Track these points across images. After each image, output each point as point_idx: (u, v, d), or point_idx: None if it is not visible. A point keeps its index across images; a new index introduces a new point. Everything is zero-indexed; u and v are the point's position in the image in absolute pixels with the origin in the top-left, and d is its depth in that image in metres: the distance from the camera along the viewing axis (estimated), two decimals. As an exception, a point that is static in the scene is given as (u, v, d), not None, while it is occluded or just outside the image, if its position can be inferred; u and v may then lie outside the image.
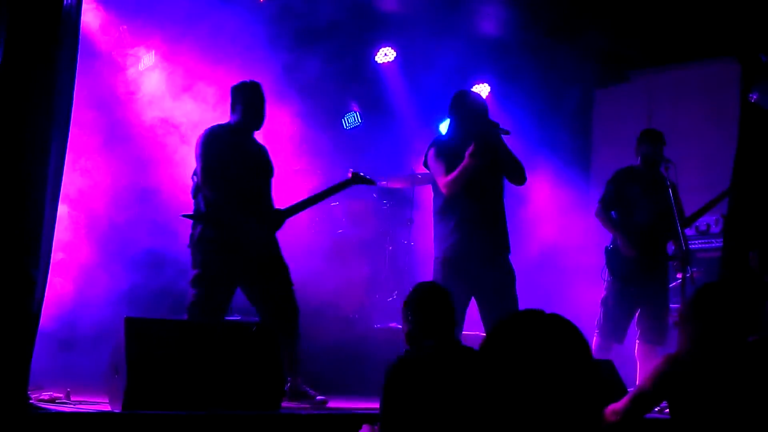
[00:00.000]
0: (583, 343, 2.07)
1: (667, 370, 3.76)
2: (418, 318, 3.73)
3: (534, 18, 8.74)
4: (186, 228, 5.75)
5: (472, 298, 6.00)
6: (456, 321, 3.78)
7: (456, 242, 5.92)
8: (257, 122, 5.87)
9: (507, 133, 6.04)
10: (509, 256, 6.13)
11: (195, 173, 5.70)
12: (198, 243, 5.58)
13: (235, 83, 5.91)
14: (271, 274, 5.69)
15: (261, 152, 5.94)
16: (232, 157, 5.66)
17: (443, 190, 5.93)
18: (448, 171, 5.88)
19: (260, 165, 5.87)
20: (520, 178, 6.14)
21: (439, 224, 6.05)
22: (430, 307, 3.75)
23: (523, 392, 1.98)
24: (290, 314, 5.67)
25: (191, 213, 5.67)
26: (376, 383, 6.29)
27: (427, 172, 8.20)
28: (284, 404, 4.99)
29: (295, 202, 5.95)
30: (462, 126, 6.08)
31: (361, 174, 6.12)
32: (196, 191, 5.69)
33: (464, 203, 5.95)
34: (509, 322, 2.10)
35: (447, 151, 6.01)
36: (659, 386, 3.77)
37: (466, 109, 6.09)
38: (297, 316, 5.69)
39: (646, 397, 3.84)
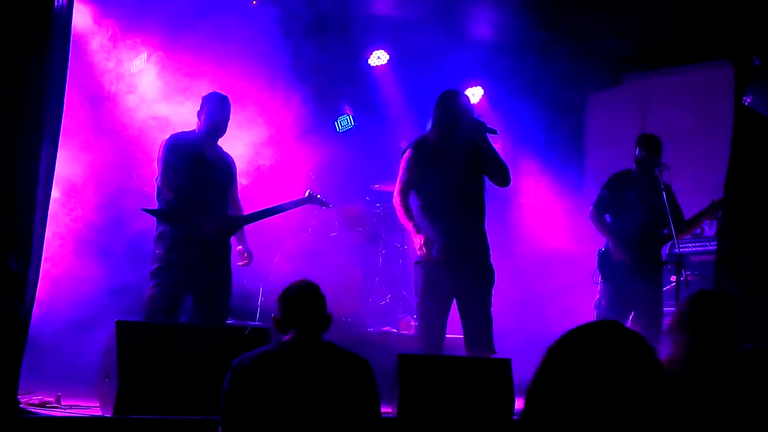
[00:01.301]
0: (654, 357, 2.05)
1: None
2: (283, 310, 3.76)
3: (528, 22, 8.72)
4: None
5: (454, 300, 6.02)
6: (323, 317, 3.80)
7: (434, 245, 5.89)
8: (218, 132, 6.20)
9: (494, 132, 6.04)
10: (490, 257, 6.10)
11: (156, 177, 6.08)
12: (157, 239, 5.96)
13: (206, 93, 6.28)
14: (215, 275, 6.00)
15: (221, 160, 6.24)
16: (189, 163, 5.97)
17: (394, 192, 6.05)
18: (409, 181, 6.00)
19: (216, 172, 6.15)
20: (503, 180, 6.13)
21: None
22: (294, 301, 3.75)
23: (590, 404, 1.96)
24: (220, 320, 6.02)
25: (154, 209, 6.07)
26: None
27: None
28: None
29: (250, 212, 6.40)
30: (445, 125, 6.07)
31: (318, 196, 6.69)
32: (159, 193, 6.07)
33: (442, 205, 5.95)
34: (578, 333, 2.09)
35: (423, 155, 6.03)
36: None
37: (450, 108, 6.08)
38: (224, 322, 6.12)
39: None
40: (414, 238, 5.93)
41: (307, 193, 6.66)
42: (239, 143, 7.37)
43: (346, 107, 9.47)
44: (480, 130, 6.00)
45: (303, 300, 3.78)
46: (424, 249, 5.79)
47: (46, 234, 4.60)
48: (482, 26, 9.17)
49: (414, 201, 6.06)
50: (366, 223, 8.66)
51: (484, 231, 6.12)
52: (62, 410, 4.55)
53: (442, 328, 6.05)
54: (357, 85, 9.41)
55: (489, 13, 8.85)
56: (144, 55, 7.61)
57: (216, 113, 6.12)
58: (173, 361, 4.51)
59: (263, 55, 7.68)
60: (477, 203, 6.09)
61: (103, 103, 7.36)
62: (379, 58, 9.45)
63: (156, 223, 6.03)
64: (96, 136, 7.04)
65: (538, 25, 8.64)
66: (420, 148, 6.09)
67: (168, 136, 6.16)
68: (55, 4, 4.60)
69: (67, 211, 6.84)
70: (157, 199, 6.08)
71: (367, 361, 3.82)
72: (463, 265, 5.94)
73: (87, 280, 6.65)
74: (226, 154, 6.35)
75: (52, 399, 4.73)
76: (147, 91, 7.54)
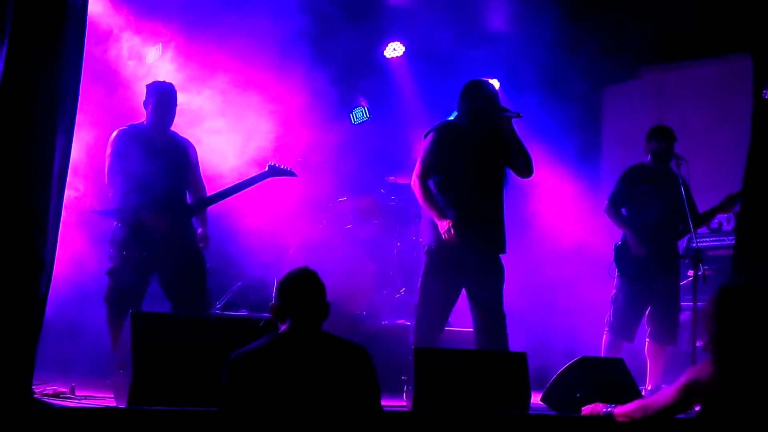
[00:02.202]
0: None
1: (692, 384, 3.74)
2: (281, 298, 3.72)
3: (544, 14, 8.68)
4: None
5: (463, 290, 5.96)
6: (321, 305, 3.75)
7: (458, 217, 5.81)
8: (167, 121, 6.21)
9: (518, 116, 5.93)
10: (502, 257, 6.02)
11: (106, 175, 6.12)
12: (111, 239, 6.03)
13: (149, 83, 6.29)
14: (179, 263, 6.01)
15: (174, 148, 6.23)
16: (137, 157, 5.95)
17: (413, 175, 5.94)
18: (430, 165, 5.90)
19: (168, 161, 6.10)
20: (526, 169, 6.01)
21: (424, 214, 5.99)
22: (292, 289, 3.71)
23: None
24: (197, 306, 6.03)
25: (103, 210, 6.15)
26: (384, 380, 6.29)
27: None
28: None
29: (211, 194, 6.36)
30: (471, 112, 5.98)
31: (280, 166, 6.51)
32: (109, 191, 6.12)
33: (462, 191, 5.87)
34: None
35: (447, 139, 5.94)
36: (685, 399, 3.77)
37: (475, 95, 6.01)
38: (205, 308, 6.14)
39: (670, 411, 3.85)
40: (438, 222, 5.77)
41: (267, 167, 6.53)
42: (255, 135, 7.36)
43: (362, 99, 9.43)
44: (505, 117, 5.91)
45: (301, 288, 3.72)
46: (451, 232, 5.68)
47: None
48: (498, 19, 9.14)
49: (432, 185, 5.96)
50: (381, 216, 8.62)
51: (503, 220, 6.01)
52: (76, 401, 4.55)
53: (444, 316, 6.04)
54: (372, 77, 9.38)
55: (505, 6, 8.82)
56: (159, 46, 7.60)
57: (163, 102, 6.16)
58: (187, 352, 4.49)
59: (278, 47, 7.67)
60: (497, 192, 5.99)
61: (118, 92, 7.35)
62: (394, 49, 9.41)
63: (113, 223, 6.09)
64: (110, 124, 7.02)
65: (555, 17, 8.59)
66: (444, 131, 6.01)
67: (115, 131, 6.16)
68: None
69: (83, 200, 6.83)
70: (110, 198, 6.13)
71: (364, 348, 3.77)
72: (478, 253, 5.86)
73: (99, 270, 6.65)
74: (182, 139, 6.35)
75: (66, 389, 4.73)
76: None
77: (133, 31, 7.52)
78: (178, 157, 6.24)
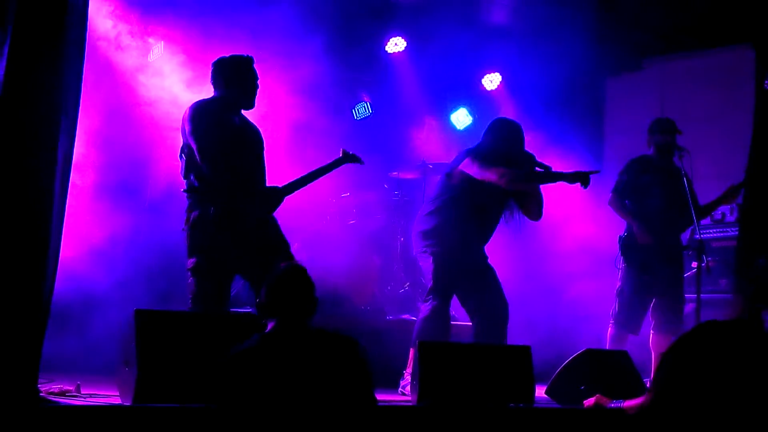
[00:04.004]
0: None
1: None
2: (267, 295, 3.70)
3: (545, 5, 8.68)
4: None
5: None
6: (308, 302, 3.72)
7: (457, 234, 6.05)
8: (248, 99, 5.61)
9: (548, 168, 6.17)
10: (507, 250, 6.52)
11: (183, 151, 5.42)
12: (194, 226, 5.30)
13: (222, 58, 5.66)
14: (270, 258, 5.24)
15: (251, 128, 5.66)
16: (222, 133, 5.35)
17: (500, 182, 5.98)
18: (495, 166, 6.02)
19: (251, 141, 5.58)
20: (537, 215, 6.30)
21: (442, 214, 6.12)
22: (277, 286, 3.70)
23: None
24: None
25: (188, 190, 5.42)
26: (388, 375, 6.31)
27: (438, 162, 8.21)
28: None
29: (290, 181, 5.67)
30: (496, 151, 6.12)
31: (351, 153, 5.98)
32: (187, 170, 5.39)
33: (472, 215, 6.10)
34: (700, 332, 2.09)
35: (487, 155, 6.08)
36: None
37: (504, 138, 6.18)
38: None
39: None
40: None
41: (342, 153, 5.96)
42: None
43: (364, 95, 9.44)
44: (537, 168, 6.12)
45: (287, 285, 3.71)
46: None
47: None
48: (500, 12, 9.13)
49: (448, 190, 6.17)
50: (384, 211, 8.63)
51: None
52: (82, 399, 4.56)
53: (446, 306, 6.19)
54: (374, 72, 9.38)
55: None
56: (161, 44, 7.61)
57: (249, 76, 5.59)
58: (193, 349, 4.50)
59: (280, 44, 7.67)
60: (495, 223, 6.27)
61: (119, 91, 7.36)
62: (396, 45, 9.41)
63: (187, 206, 5.39)
64: (113, 123, 7.04)
65: (557, 9, 8.59)
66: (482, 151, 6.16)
67: (191, 104, 5.45)
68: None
69: (87, 199, 6.85)
70: (186, 177, 5.40)
71: (355, 340, 3.76)
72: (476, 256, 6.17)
73: (104, 269, 6.68)
74: (251, 122, 5.74)
75: (71, 387, 4.74)
76: (164, 78, 7.54)
77: (134, 29, 7.54)
78: (255, 138, 5.65)
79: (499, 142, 6.18)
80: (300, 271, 3.76)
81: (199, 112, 5.36)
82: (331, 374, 3.56)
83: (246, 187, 5.37)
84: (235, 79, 5.55)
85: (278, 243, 5.47)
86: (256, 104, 5.68)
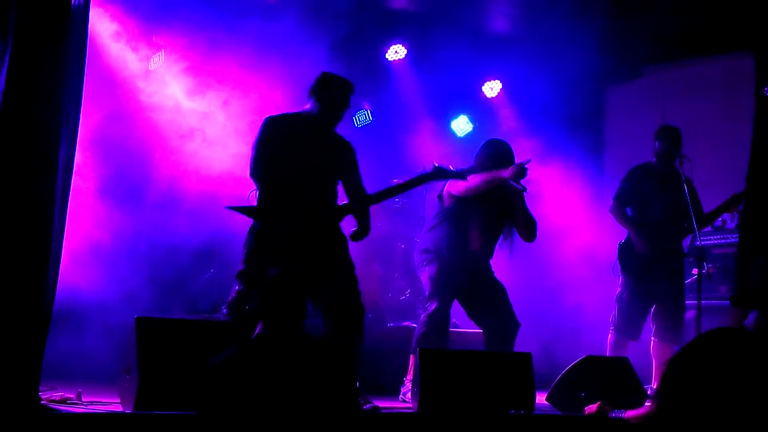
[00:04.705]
0: None
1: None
2: (261, 302, 3.71)
3: (545, 13, 8.69)
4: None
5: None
6: (296, 310, 3.72)
7: (457, 242, 6.20)
8: (335, 117, 5.48)
9: (524, 189, 6.16)
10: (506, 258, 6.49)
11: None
12: (247, 237, 5.27)
13: (321, 72, 5.54)
14: (326, 276, 5.23)
15: (330, 145, 5.46)
16: (285, 149, 5.25)
17: (462, 191, 6.15)
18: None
19: (320, 160, 5.36)
20: (530, 236, 6.33)
21: (438, 231, 6.28)
22: (266, 293, 3.70)
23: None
24: (349, 317, 5.26)
25: (240, 206, 5.33)
26: (389, 382, 6.32)
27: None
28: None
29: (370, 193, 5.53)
30: (480, 170, 6.21)
31: (450, 168, 5.72)
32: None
33: (467, 235, 6.24)
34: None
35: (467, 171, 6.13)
36: None
37: (495, 160, 6.23)
38: (357, 319, 5.28)
39: None
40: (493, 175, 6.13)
41: (432, 167, 5.73)
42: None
43: (364, 102, 9.45)
44: (516, 188, 6.12)
45: (277, 291, 3.72)
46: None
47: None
48: (500, 19, 9.15)
49: (442, 211, 6.35)
50: (385, 218, 8.63)
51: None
52: (83, 406, 4.56)
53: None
54: (375, 79, 9.40)
55: (506, 6, 8.83)
56: (162, 53, 7.64)
57: (341, 98, 5.45)
58: (194, 356, 4.50)
59: (281, 51, 7.69)
60: (493, 247, 6.37)
61: (120, 99, 7.38)
62: (396, 52, 9.43)
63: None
64: (114, 127, 7.07)
65: (557, 17, 8.60)
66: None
67: (266, 117, 5.38)
68: (73, 1, 4.60)
69: (88, 208, 6.86)
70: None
71: (336, 341, 3.76)
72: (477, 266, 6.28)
73: (104, 276, 6.69)
74: (341, 139, 5.56)
75: (72, 395, 4.74)
76: (165, 87, 7.56)
77: (136, 37, 7.56)
78: (331, 158, 5.44)
79: (485, 160, 6.28)
80: (290, 277, 3.77)
81: (264, 126, 5.31)
82: (320, 380, 3.57)
83: (295, 204, 5.22)
84: (330, 95, 5.45)
85: (332, 264, 5.31)
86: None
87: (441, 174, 5.73)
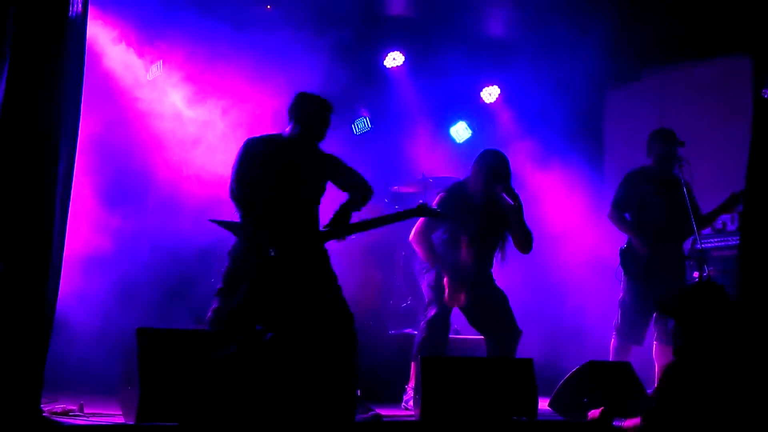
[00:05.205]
0: None
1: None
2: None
3: (543, 18, 8.69)
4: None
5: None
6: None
7: (453, 253, 6.26)
8: (316, 137, 5.55)
9: (515, 203, 6.17)
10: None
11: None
12: (230, 254, 5.31)
13: (298, 93, 5.60)
14: (309, 292, 5.31)
15: (313, 168, 5.51)
16: (266, 172, 5.30)
17: (414, 232, 6.29)
18: (429, 224, 6.22)
19: (303, 182, 5.44)
20: (526, 248, 6.31)
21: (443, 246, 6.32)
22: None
23: None
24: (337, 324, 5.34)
25: (224, 221, 5.29)
26: (391, 389, 6.31)
27: (438, 176, 8.24)
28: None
29: (337, 224, 5.53)
30: (483, 184, 6.23)
31: (430, 206, 5.98)
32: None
33: (462, 251, 6.24)
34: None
35: (457, 202, 6.22)
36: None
37: (491, 171, 6.23)
38: (347, 327, 5.35)
39: None
40: (447, 276, 6.15)
41: (418, 206, 5.86)
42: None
43: (363, 110, 9.45)
44: (515, 201, 6.16)
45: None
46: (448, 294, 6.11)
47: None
48: (498, 24, 9.15)
49: (438, 235, 6.33)
50: (385, 225, 8.62)
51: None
52: (85, 418, 4.56)
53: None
54: (373, 87, 9.40)
55: (504, 11, 8.83)
56: (160, 62, 7.64)
57: (318, 115, 5.53)
58: (195, 367, 4.50)
59: (279, 59, 7.69)
60: (491, 256, 6.37)
61: (118, 112, 7.38)
62: (394, 59, 9.44)
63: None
64: (113, 143, 7.07)
65: (555, 21, 8.60)
66: (454, 195, 6.30)
67: (246, 139, 5.43)
68: (70, 12, 4.60)
69: (88, 216, 6.86)
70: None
71: (311, 341, 3.77)
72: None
73: (105, 284, 6.69)
74: (323, 156, 5.62)
75: (74, 407, 4.74)
76: (163, 96, 7.57)
77: (133, 47, 7.57)
78: (316, 179, 5.53)
79: (480, 170, 6.29)
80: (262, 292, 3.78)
81: (243, 147, 5.36)
82: (301, 380, 3.57)
83: (269, 224, 5.25)
84: (303, 117, 5.52)
85: (308, 280, 5.33)
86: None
87: (424, 212, 5.88)
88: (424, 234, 6.23)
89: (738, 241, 7.19)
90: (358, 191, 5.67)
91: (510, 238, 6.32)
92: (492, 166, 6.24)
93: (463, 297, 6.10)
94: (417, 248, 6.28)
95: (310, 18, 7.98)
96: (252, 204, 5.24)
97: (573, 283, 8.73)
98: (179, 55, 7.61)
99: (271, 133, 5.55)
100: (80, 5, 4.69)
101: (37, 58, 4.41)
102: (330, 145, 8.42)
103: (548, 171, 9.31)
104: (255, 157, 5.32)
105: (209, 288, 7.61)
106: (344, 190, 5.69)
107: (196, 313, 6.98)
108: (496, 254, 6.38)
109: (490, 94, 9.91)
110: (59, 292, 4.53)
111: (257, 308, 5.16)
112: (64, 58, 4.55)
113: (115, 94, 7.40)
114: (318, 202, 5.56)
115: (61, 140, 4.48)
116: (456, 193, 6.31)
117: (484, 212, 6.24)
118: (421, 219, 6.22)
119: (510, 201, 6.12)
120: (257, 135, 5.50)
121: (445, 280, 6.11)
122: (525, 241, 6.25)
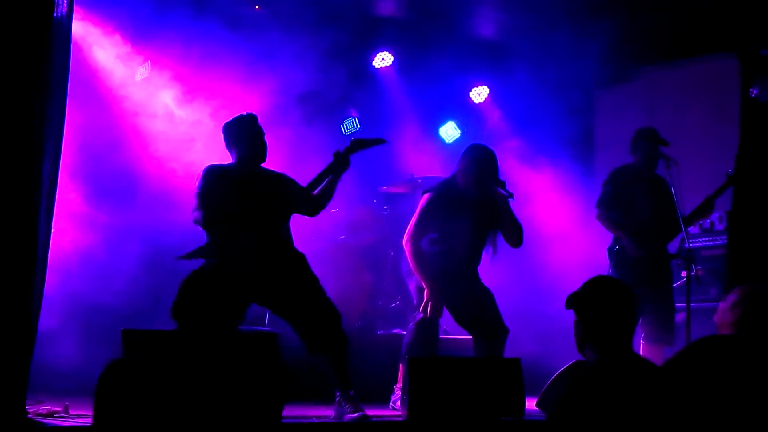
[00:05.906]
0: None
1: None
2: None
3: (533, 18, 8.70)
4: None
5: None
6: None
7: (441, 251, 6.17)
8: (259, 155, 5.66)
9: (510, 196, 6.13)
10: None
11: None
12: (196, 274, 5.39)
13: (223, 125, 5.71)
14: (291, 298, 5.44)
15: (267, 183, 5.64)
16: (225, 195, 5.45)
17: (407, 235, 6.16)
18: (425, 226, 6.14)
19: (260, 198, 5.54)
20: (517, 242, 6.27)
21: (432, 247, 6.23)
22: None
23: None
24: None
25: (192, 251, 5.36)
26: (379, 390, 6.30)
27: (427, 176, 8.23)
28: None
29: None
30: (470, 179, 6.17)
31: (365, 137, 5.93)
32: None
33: (452, 253, 6.17)
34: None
35: (440, 205, 6.17)
36: None
37: (477, 165, 6.18)
38: (334, 325, 5.46)
39: None
40: (428, 289, 6.03)
41: (351, 142, 5.84)
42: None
43: (352, 110, 9.45)
44: (503, 194, 6.12)
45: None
46: (429, 306, 5.99)
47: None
48: (487, 24, 9.15)
49: (425, 241, 6.21)
50: (374, 226, 8.63)
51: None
52: (70, 419, 4.54)
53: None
54: (362, 87, 9.39)
55: (494, 12, 8.83)
56: (148, 64, 7.62)
57: (254, 134, 5.64)
58: (180, 368, 4.48)
59: (266, 60, 7.69)
60: (480, 252, 6.32)
61: (104, 112, 7.37)
62: (383, 59, 9.43)
63: None
64: (98, 144, 7.05)
65: (544, 21, 8.61)
66: (445, 193, 6.23)
67: (204, 167, 5.59)
68: (55, 13, 4.59)
69: (73, 223, 6.84)
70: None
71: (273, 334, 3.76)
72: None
73: (91, 289, 6.67)
74: (274, 174, 5.76)
75: (60, 408, 4.73)
76: (150, 98, 7.56)
77: (121, 47, 7.56)
78: (271, 194, 5.61)
79: (468, 165, 6.23)
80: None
81: (205, 174, 5.53)
82: (244, 375, 3.57)
83: (238, 244, 5.37)
84: (244, 140, 5.64)
85: (287, 285, 5.46)
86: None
87: (360, 144, 5.85)
88: (414, 238, 6.16)
89: (726, 241, 7.22)
90: (305, 202, 5.77)
91: (499, 233, 6.29)
92: (483, 160, 6.19)
93: (443, 309, 6.06)
94: (406, 253, 6.22)
95: (298, 18, 7.96)
96: (217, 223, 5.37)
97: (562, 282, 8.70)
98: (168, 55, 7.60)
99: (225, 163, 5.68)
100: (65, 5, 4.69)
101: (21, 59, 4.40)
102: (319, 145, 8.45)
103: (538, 171, 9.32)
104: (215, 180, 5.48)
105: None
106: (295, 203, 5.73)
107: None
108: (484, 251, 6.33)
109: (479, 94, 9.91)
110: (44, 293, 4.52)
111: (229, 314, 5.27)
112: (49, 58, 4.54)
113: (102, 93, 7.39)
114: (283, 217, 5.64)
115: (46, 140, 4.47)
116: (446, 190, 6.25)
117: (477, 206, 6.18)
118: (412, 222, 6.18)
119: (504, 193, 6.08)
120: (215, 163, 5.64)
121: (426, 292, 6.03)
122: (517, 235, 6.22)
